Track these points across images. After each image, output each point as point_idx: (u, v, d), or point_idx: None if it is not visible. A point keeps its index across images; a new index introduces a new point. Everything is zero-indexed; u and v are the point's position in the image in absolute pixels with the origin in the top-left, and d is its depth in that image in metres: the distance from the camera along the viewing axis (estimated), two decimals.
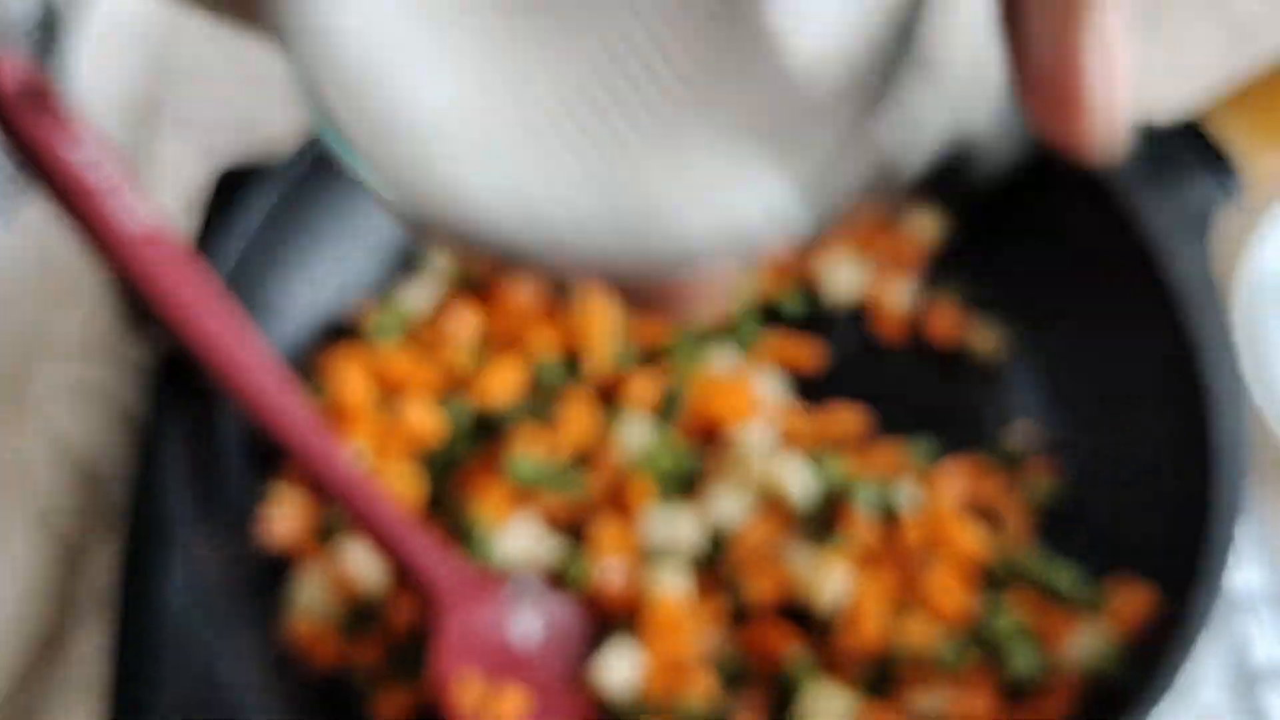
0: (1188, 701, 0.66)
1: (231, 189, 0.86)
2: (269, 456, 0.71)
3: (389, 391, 0.71)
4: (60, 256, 0.94)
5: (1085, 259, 0.74)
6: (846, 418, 0.73)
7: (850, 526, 0.66)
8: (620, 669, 0.62)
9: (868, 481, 0.66)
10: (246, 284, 0.70)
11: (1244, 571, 0.71)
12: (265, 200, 0.71)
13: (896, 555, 0.66)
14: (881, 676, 0.64)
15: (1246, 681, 0.68)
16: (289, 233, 0.73)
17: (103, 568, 0.81)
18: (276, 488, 0.70)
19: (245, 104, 1.06)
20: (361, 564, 0.65)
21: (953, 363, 0.78)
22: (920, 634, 0.63)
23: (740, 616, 0.66)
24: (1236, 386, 0.65)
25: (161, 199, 1.00)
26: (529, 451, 0.66)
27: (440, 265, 0.79)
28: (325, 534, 0.68)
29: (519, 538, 0.66)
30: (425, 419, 0.69)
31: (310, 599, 0.65)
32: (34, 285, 0.93)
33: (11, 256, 0.95)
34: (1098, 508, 0.71)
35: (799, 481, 0.66)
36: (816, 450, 0.68)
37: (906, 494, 0.65)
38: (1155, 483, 0.68)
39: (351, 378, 0.70)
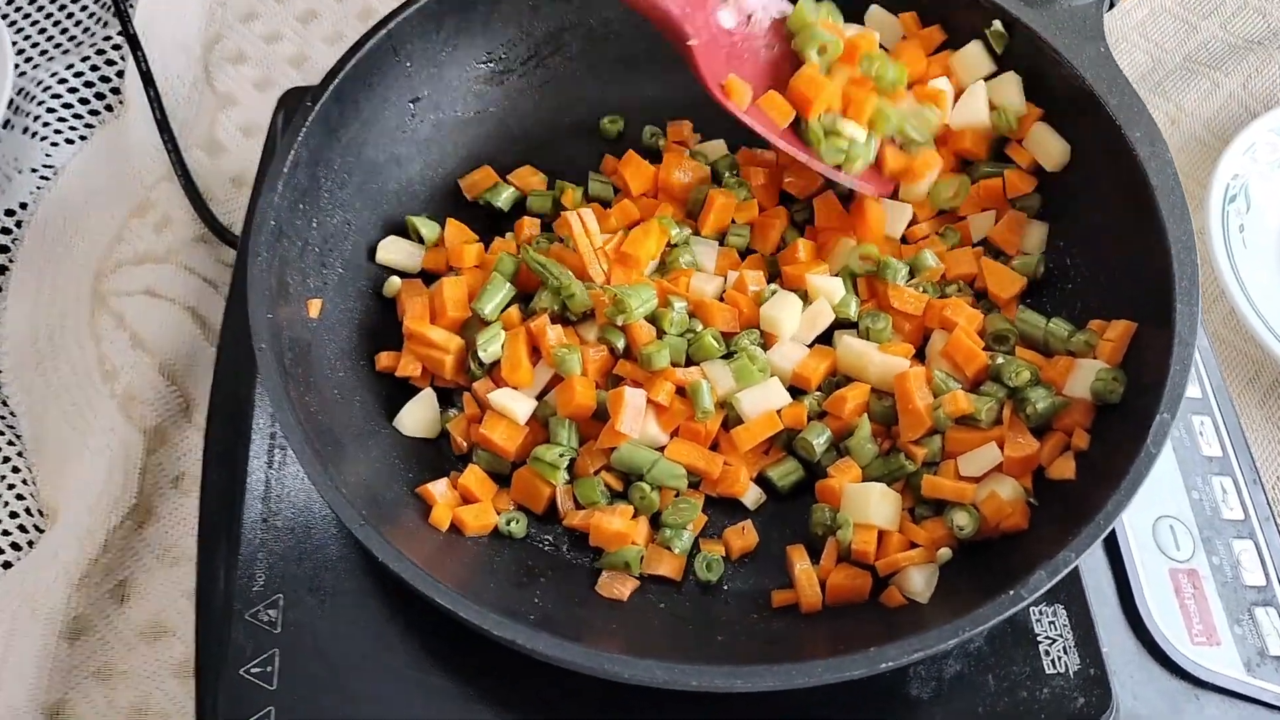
0: (1149, 496, 0.75)
1: (293, 108, 0.94)
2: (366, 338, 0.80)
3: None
4: (136, 170, 1.01)
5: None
6: None
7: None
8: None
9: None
10: (315, 177, 0.77)
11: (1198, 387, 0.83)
12: (319, 109, 0.77)
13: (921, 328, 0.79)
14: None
15: (1199, 470, 0.79)
16: (347, 136, 0.80)
17: (179, 451, 0.89)
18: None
19: (295, 40, 1.13)
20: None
21: None
22: (960, 401, 0.72)
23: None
24: (1163, 156, 0.74)
25: (222, 125, 1.07)
26: None
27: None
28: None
29: None
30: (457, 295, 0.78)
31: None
32: (112, 195, 1.00)
33: (90, 168, 1.02)
34: (1076, 280, 0.80)
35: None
36: None
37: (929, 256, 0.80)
38: (1120, 249, 0.76)
39: (418, 302, 0.79)
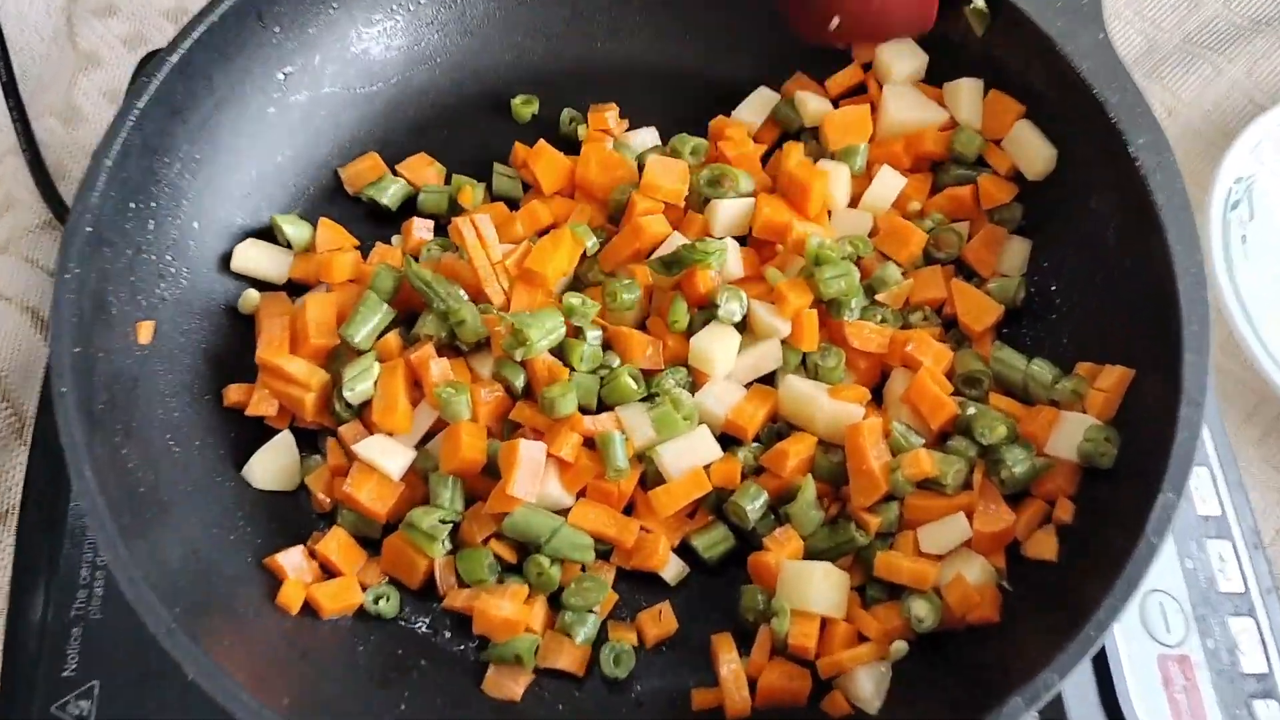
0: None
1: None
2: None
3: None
4: None
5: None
6: None
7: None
8: None
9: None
10: (152, 170, 0.64)
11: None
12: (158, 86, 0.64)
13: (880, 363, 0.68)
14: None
15: (1194, 534, 0.69)
16: (197, 118, 0.67)
17: (8, 481, 0.75)
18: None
19: None
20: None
21: None
22: (922, 462, 0.61)
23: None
24: (1171, 169, 0.65)
25: (83, 88, 0.93)
26: None
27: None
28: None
29: None
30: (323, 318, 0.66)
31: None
32: None
33: None
34: (1062, 310, 0.70)
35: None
36: None
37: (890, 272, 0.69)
38: (1115, 277, 0.66)
39: (276, 324, 0.66)
